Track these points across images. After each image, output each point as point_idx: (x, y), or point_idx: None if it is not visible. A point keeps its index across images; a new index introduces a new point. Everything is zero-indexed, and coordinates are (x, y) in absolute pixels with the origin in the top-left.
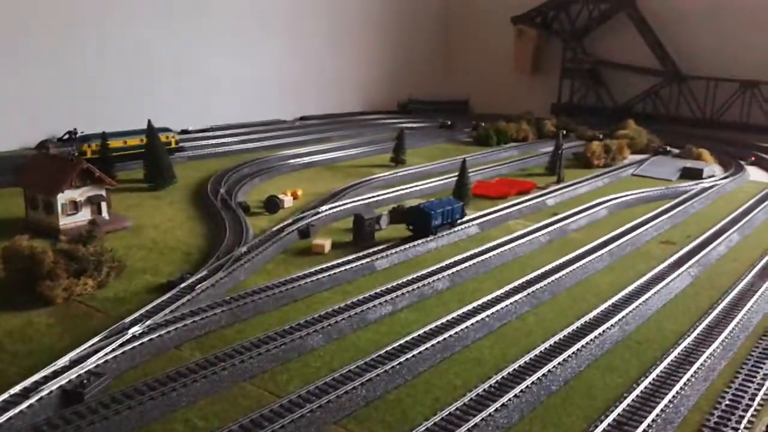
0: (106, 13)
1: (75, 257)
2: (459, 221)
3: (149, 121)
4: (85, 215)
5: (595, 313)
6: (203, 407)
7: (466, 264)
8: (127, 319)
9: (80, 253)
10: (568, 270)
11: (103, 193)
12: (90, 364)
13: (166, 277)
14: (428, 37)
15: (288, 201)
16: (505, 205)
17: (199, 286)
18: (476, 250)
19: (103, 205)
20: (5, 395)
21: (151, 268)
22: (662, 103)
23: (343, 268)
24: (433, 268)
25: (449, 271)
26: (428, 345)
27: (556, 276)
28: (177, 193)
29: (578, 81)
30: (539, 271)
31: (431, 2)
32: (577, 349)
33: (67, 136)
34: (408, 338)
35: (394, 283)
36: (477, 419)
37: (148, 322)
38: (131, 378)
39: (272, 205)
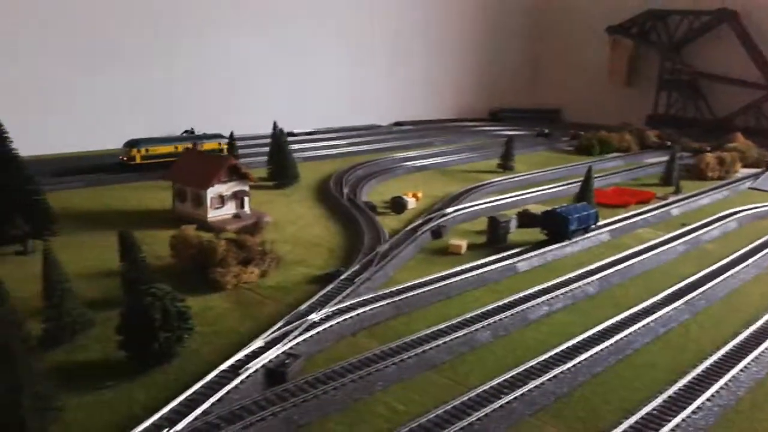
0: (223, 21)
1: (244, 247)
2: (593, 227)
3: (275, 123)
4: (230, 209)
5: (760, 322)
6: (397, 392)
7: (612, 270)
8: (302, 307)
9: (249, 243)
10: (717, 280)
11: (247, 188)
12: (285, 346)
13: (317, 270)
14: (519, 46)
15: (412, 202)
16: (632, 213)
17: (357, 279)
18: (617, 257)
19: (246, 200)
20: (216, 371)
21: (302, 261)
22: (765, 117)
23: (488, 269)
24: (579, 272)
25: (596, 276)
26: (602, 347)
27: (708, 285)
28: (301, 192)
29: (676, 93)
30: (688, 281)
31: (522, 13)
32: (756, 356)
33: (185, 135)
34: (576, 339)
35: (545, 285)
36: (677, 419)
37: (324, 311)
38: (321, 361)
39: (399, 205)
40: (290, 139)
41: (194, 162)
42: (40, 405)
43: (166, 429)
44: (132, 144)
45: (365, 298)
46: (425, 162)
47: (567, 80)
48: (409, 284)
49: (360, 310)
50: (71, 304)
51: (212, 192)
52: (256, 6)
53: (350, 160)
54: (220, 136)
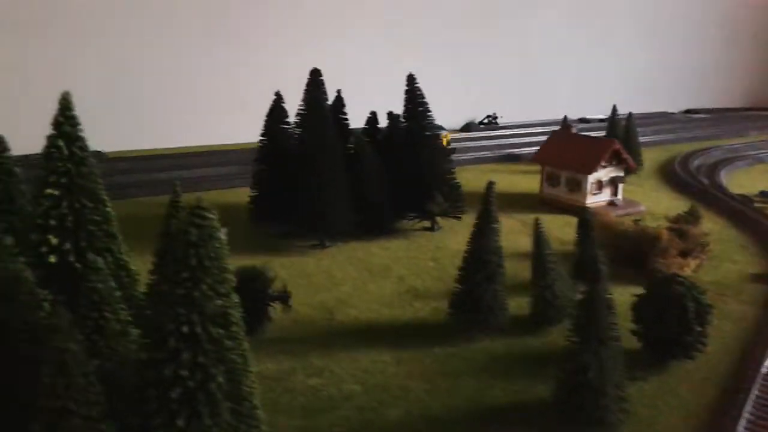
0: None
1: (685, 237)
2: None
3: (614, 107)
4: (605, 196)
5: None
6: None
7: None
8: None
9: (691, 233)
10: None
11: (623, 174)
12: None
13: (746, 266)
14: None
15: None
16: None
17: None
18: None
19: (620, 186)
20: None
21: (718, 255)
22: None
23: None
24: None
25: None
26: None
27: None
28: (652, 180)
29: None
30: None
31: None
32: None
33: (486, 120)
34: None
35: None
36: None
37: None
38: None
39: None
40: (583, 126)
41: (568, 144)
42: (617, 394)
43: None
44: None
45: None
46: (763, 152)
47: None
48: None
49: None
50: (564, 286)
51: (593, 177)
52: None
53: (668, 149)
54: (441, 128)
